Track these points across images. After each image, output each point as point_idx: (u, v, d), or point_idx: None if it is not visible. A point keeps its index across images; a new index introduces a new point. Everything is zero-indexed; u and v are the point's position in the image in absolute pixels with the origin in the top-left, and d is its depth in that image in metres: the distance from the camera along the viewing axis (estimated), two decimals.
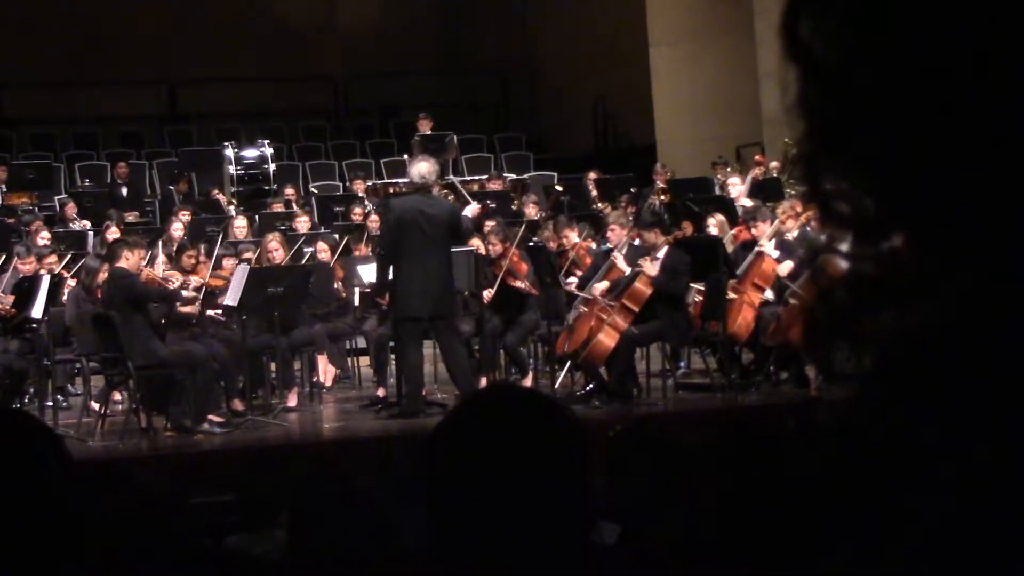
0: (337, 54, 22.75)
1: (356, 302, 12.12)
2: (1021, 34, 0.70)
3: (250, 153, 18.67)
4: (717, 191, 16.25)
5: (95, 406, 10.48)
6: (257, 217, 15.48)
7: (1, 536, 1.88)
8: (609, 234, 11.59)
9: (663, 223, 12.35)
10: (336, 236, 13.48)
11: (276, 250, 11.83)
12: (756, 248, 11.11)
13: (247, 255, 12.11)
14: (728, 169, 16.87)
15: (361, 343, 12.63)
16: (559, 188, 17.41)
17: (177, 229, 13.19)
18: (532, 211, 15.33)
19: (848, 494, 0.74)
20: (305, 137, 21.55)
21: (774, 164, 16.15)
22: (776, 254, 10.94)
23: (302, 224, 14.63)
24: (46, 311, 10.53)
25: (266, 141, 18.93)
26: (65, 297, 11.25)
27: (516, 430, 1.78)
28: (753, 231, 11.48)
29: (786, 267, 10.71)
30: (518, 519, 1.73)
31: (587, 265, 11.35)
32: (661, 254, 10.56)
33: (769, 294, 10.93)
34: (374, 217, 14.18)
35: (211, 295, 10.91)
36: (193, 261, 11.16)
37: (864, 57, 0.73)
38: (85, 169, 19.40)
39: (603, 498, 3.94)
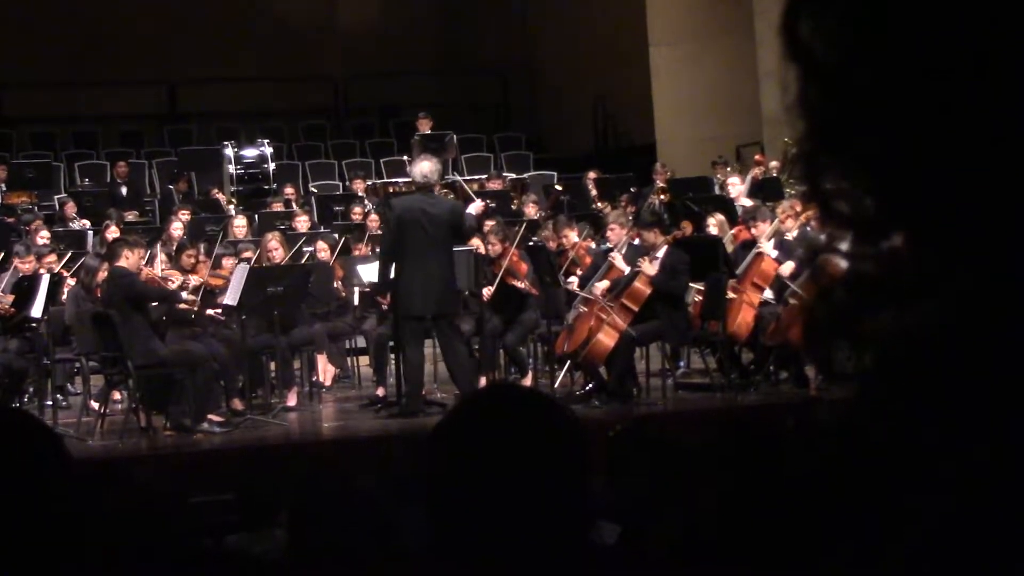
0: (337, 54, 22.75)
1: (356, 301, 12.12)
2: (1021, 34, 0.70)
3: (250, 153, 18.67)
4: (717, 191, 16.25)
5: (95, 405, 10.49)
6: (257, 216, 15.48)
7: (1, 536, 1.88)
8: (609, 234, 11.59)
9: (663, 223, 12.36)
10: (336, 236, 13.48)
11: (276, 249, 11.84)
12: (756, 248, 11.11)
13: (247, 254, 12.11)
14: (728, 169, 16.87)
15: (361, 343, 12.63)
16: (559, 188, 17.41)
17: (177, 228, 13.19)
18: (532, 211, 15.33)
19: (848, 494, 0.74)
20: (305, 137, 21.55)
21: (774, 164, 16.15)
22: (775, 254, 10.94)
23: (302, 224, 14.63)
24: (46, 310, 10.53)
25: (266, 141, 18.93)
26: (65, 296, 11.25)
27: (516, 430, 1.78)
28: (753, 231, 11.48)
29: (788, 267, 10.71)
30: (518, 519, 1.73)
31: (587, 265, 11.35)
32: (660, 254, 10.56)
33: (769, 294, 10.93)
34: (374, 217, 14.19)
35: (211, 294, 10.91)
36: (193, 260, 11.16)
37: (864, 57, 0.73)
38: (85, 168, 19.39)
39: (603, 498, 3.94)
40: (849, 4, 0.74)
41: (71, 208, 16.04)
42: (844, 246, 0.76)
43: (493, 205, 15.10)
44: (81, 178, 19.03)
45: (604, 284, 10.69)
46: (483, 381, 10.46)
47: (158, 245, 11.92)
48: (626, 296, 10.48)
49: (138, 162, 19.78)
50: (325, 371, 12.07)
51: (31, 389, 11.08)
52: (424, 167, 10.52)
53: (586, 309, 10.70)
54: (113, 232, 13.22)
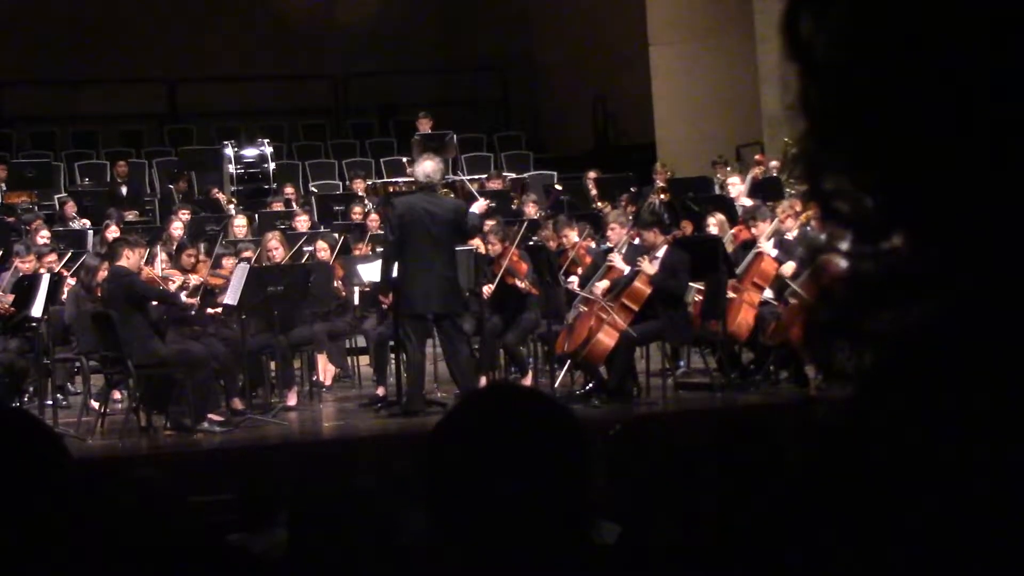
0: (337, 53, 22.74)
1: (356, 301, 12.12)
2: (1021, 34, 0.70)
3: (250, 152, 18.66)
4: (717, 190, 16.25)
5: (95, 405, 10.49)
6: (257, 216, 15.46)
7: (1, 535, 1.88)
8: (609, 233, 11.59)
9: (663, 222, 12.35)
10: (336, 235, 13.48)
11: (276, 249, 11.84)
12: (756, 248, 11.11)
13: (247, 254, 12.11)
14: (728, 168, 16.87)
15: (361, 342, 12.63)
16: (559, 187, 17.41)
17: (177, 228, 13.18)
18: (532, 210, 15.33)
19: (848, 494, 0.74)
20: (305, 136, 21.55)
21: (774, 163, 16.15)
22: (775, 253, 10.94)
23: (302, 223, 14.62)
24: (46, 310, 10.53)
25: (266, 140, 18.91)
26: (65, 296, 11.24)
27: (516, 429, 1.78)
28: (753, 231, 11.48)
29: (788, 267, 10.70)
30: (518, 519, 1.73)
31: (587, 264, 11.35)
32: (660, 253, 10.56)
33: (769, 294, 10.92)
34: (374, 216, 14.18)
35: (211, 294, 10.91)
36: (193, 260, 11.16)
37: (864, 56, 0.73)
38: (85, 168, 19.40)
39: (603, 498, 3.94)
40: (849, 3, 0.74)
41: (71, 208, 16.04)
42: (844, 246, 0.76)
43: (493, 205, 15.10)
44: (81, 178, 19.03)
45: (604, 284, 10.68)
46: (483, 381, 10.46)
47: (158, 245, 11.92)
48: (626, 296, 10.48)
49: (138, 162, 19.77)
50: (325, 371, 12.07)
51: (31, 389, 11.08)
52: (427, 167, 10.52)
53: (586, 309, 10.70)
54: (113, 232, 13.22)
